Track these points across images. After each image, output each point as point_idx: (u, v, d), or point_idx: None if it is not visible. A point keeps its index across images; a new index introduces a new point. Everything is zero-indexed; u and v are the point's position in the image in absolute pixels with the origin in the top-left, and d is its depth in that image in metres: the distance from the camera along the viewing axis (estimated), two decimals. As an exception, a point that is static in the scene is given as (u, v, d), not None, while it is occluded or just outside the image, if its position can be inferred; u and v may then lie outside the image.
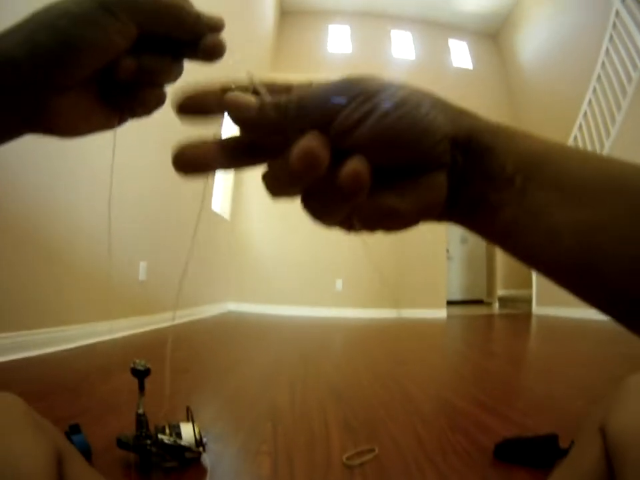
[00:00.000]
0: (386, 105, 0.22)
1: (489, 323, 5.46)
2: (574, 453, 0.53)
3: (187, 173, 0.26)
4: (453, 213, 0.26)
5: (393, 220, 0.25)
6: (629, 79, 4.58)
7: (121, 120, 0.33)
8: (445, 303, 5.93)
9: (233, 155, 0.27)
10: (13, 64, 0.26)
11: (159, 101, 0.33)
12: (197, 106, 0.28)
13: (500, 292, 7.57)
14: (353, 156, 0.22)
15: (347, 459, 0.95)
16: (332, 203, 0.25)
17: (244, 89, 0.26)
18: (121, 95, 0.31)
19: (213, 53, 0.33)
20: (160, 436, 0.87)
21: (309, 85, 0.26)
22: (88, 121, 0.32)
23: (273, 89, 0.27)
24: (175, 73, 0.33)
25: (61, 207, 2.26)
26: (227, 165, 0.28)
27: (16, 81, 0.27)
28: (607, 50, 4.97)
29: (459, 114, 0.25)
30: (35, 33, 0.27)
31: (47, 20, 0.27)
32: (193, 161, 0.26)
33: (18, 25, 0.27)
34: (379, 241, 5.99)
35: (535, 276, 5.97)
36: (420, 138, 0.23)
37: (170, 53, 0.31)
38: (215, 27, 0.32)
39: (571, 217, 0.23)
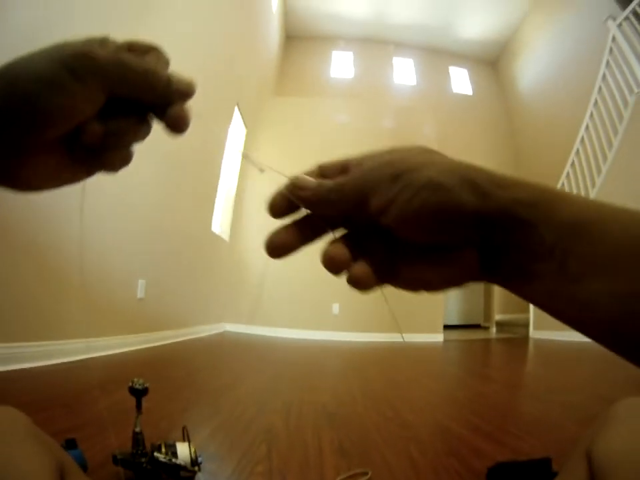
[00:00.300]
0: (413, 188, 0.24)
1: (486, 347, 5.44)
2: (560, 478, 0.54)
3: (278, 256, 0.31)
4: (491, 278, 0.27)
5: (426, 289, 0.27)
6: (625, 103, 4.64)
7: (88, 174, 0.33)
8: (442, 327, 5.91)
9: (309, 232, 0.31)
10: None
11: (125, 161, 0.33)
12: (283, 208, 0.31)
13: (497, 316, 7.55)
14: (358, 260, 0.26)
15: (340, 481, 0.96)
16: None
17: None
18: (88, 154, 0.31)
19: (176, 125, 0.32)
20: (156, 454, 0.88)
21: (358, 164, 0.29)
22: (54, 177, 0.32)
23: (334, 167, 0.30)
24: (142, 134, 0.32)
25: (62, 222, 2.28)
26: (305, 241, 0.31)
27: None
28: (604, 75, 5.05)
29: (494, 188, 0.24)
30: (1, 93, 0.26)
31: (13, 80, 0.27)
32: (281, 247, 0.30)
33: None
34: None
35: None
36: (446, 219, 0.24)
37: (138, 114, 0.31)
38: (185, 92, 0.32)
39: (610, 286, 0.22)
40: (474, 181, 0.24)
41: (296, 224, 0.30)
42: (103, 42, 0.29)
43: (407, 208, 0.24)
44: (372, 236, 0.28)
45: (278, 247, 0.30)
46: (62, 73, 0.27)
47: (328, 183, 0.28)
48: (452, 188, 0.24)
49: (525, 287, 0.25)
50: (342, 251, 0.27)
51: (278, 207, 0.30)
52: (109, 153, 0.31)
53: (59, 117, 0.27)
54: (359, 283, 0.26)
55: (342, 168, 0.29)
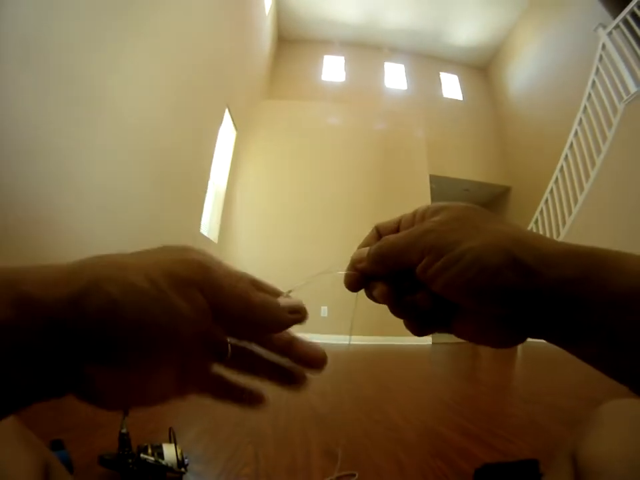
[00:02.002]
0: (458, 267, 0.25)
1: (474, 350, 5.46)
2: (546, 479, 0.55)
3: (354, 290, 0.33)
4: (536, 337, 0.27)
5: (479, 343, 0.29)
6: (615, 110, 4.71)
7: (184, 395, 0.30)
8: (431, 330, 5.93)
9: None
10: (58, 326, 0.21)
11: (254, 401, 0.32)
12: (356, 283, 0.34)
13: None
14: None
15: (327, 482, 0.96)
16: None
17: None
18: (221, 386, 0.31)
19: (313, 362, 0.32)
20: (142, 455, 0.87)
21: (409, 223, 0.31)
22: (140, 396, 0.27)
23: (390, 228, 0.33)
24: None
25: (56, 222, 2.26)
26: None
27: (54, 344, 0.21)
28: (594, 82, 5.12)
29: (541, 266, 0.24)
30: (88, 297, 0.21)
31: (105, 288, 0.21)
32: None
33: (66, 272, 0.22)
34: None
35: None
36: (490, 298, 0.25)
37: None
38: (300, 319, 0.31)
39: None
40: (520, 260, 0.24)
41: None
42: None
43: (452, 283, 0.25)
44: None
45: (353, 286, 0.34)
46: (167, 287, 0.23)
47: (374, 251, 0.31)
48: (497, 269, 0.24)
49: (571, 349, 0.26)
50: (385, 292, 0.31)
51: (352, 284, 0.34)
52: (244, 392, 0.31)
53: (158, 338, 0.23)
54: (416, 333, 0.31)
55: (396, 229, 0.32)
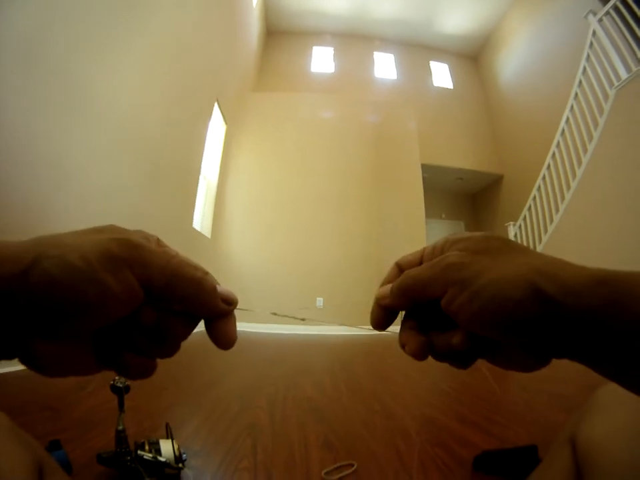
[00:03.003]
0: (480, 300, 0.25)
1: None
2: (544, 464, 0.55)
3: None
4: (560, 357, 0.28)
5: (509, 369, 0.30)
6: (606, 96, 4.73)
7: (98, 371, 0.30)
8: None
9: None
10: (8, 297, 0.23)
11: (145, 371, 0.30)
12: (382, 319, 0.33)
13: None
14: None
15: (326, 474, 0.96)
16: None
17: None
18: (113, 357, 0.29)
19: (222, 342, 0.31)
20: (139, 452, 0.87)
21: (431, 255, 0.32)
22: (69, 366, 0.28)
23: (413, 262, 0.33)
24: (175, 346, 0.31)
25: (47, 219, 2.24)
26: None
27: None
28: (584, 69, 5.12)
29: (563, 295, 0.25)
30: (31, 273, 0.23)
31: (44, 266, 0.24)
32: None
33: (15, 250, 0.24)
34: (361, 258, 6.03)
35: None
36: (513, 329, 0.25)
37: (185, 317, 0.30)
38: (230, 301, 0.32)
39: None
40: (542, 290, 0.24)
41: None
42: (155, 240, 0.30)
43: (476, 316, 0.25)
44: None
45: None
46: (99, 265, 0.25)
47: (397, 284, 0.31)
48: (519, 302, 0.24)
49: (594, 367, 0.26)
50: (416, 347, 0.31)
51: (378, 321, 0.33)
52: (133, 360, 0.29)
53: (94, 311, 0.25)
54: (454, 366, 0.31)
55: (418, 262, 0.33)
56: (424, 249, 0.33)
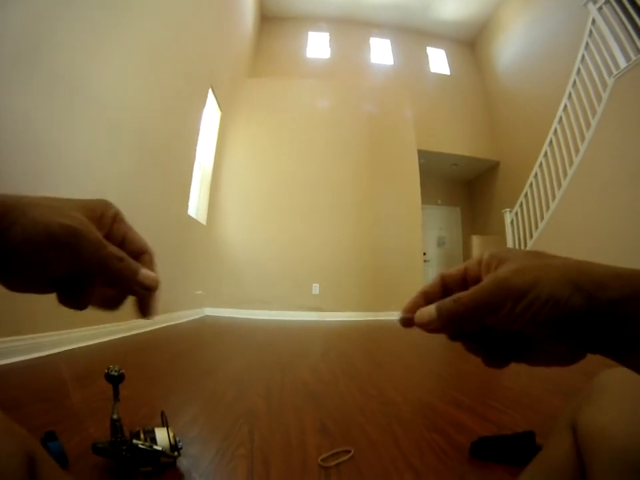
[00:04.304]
0: (535, 307, 0.28)
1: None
2: (545, 449, 0.54)
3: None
4: (592, 352, 0.30)
5: (550, 366, 0.33)
6: (604, 85, 4.69)
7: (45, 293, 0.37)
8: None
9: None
10: None
11: (76, 307, 0.37)
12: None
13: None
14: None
15: (323, 460, 0.95)
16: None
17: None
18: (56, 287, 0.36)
19: (142, 314, 0.41)
20: (134, 441, 0.86)
21: (476, 277, 0.33)
22: (29, 288, 0.35)
23: (456, 278, 0.35)
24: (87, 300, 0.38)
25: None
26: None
27: None
28: (583, 57, 5.07)
29: (596, 288, 0.27)
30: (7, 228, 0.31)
31: (17, 228, 0.31)
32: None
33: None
34: (357, 245, 6.03)
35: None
36: (563, 325, 0.28)
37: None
38: (149, 287, 0.38)
39: None
40: (580, 286, 0.27)
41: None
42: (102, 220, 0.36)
43: (532, 320, 0.28)
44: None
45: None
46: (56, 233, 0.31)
47: (445, 306, 0.32)
48: (567, 300, 0.27)
49: (621, 360, 0.28)
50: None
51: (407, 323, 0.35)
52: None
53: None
54: (493, 367, 0.34)
55: (462, 278, 0.34)
56: (467, 262, 0.35)
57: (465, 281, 0.34)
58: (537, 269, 0.29)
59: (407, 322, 0.34)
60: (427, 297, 0.35)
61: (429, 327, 0.32)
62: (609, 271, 0.28)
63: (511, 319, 0.29)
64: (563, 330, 0.28)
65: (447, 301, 0.31)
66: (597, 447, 0.43)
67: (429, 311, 0.32)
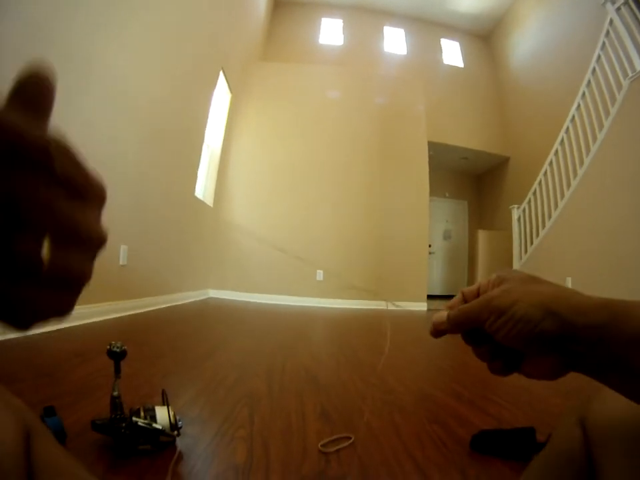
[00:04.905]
0: (512, 322, 0.34)
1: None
2: (553, 442, 0.53)
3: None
4: (575, 371, 0.34)
5: (537, 379, 0.36)
6: (619, 86, 4.62)
7: None
8: (426, 296, 5.99)
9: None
10: None
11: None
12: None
13: (481, 288, 7.66)
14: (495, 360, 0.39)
15: (323, 446, 0.95)
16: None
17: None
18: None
19: None
20: (134, 418, 0.85)
21: (484, 290, 0.40)
22: None
23: (472, 292, 0.41)
24: None
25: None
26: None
27: None
28: (599, 57, 5.00)
29: (573, 315, 0.32)
30: None
31: None
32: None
33: None
34: (362, 233, 6.01)
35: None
36: (535, 341, 0.33)
37: None
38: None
39: None
40: (556, 312, 0.32)
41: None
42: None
43: (508, 334, 0.34)
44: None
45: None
46: None
47: (452, 313, 0.39)
48: (539, 321, 0.32)
49: (600, 379, 0.33)
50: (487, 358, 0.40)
51: (436, 335, 0.42)
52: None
53: None
54: (496, 373, 0.39)
55: (477, 293, 0.40)
56: (481, 280, 0.41)
57: (479, 294, 0.40)
58: (521, 292, 0.35)
59: (436, 332, 0.42)
60: (451, 308, 0.41)
61: (440, 327, 0.41)
62: (591, 301, 0.33)
63: (494, 330, 0.35)
64: (533, 346, 0.33)
65: (455, 309, 0.39)
66: (608, 435, 0.44)
67: (442, 314, 0.41)
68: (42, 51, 2.12)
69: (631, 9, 4.53)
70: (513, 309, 0.34)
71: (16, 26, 1.94)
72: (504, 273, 0.39)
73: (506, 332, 0.34)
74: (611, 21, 4.81)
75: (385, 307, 5.76)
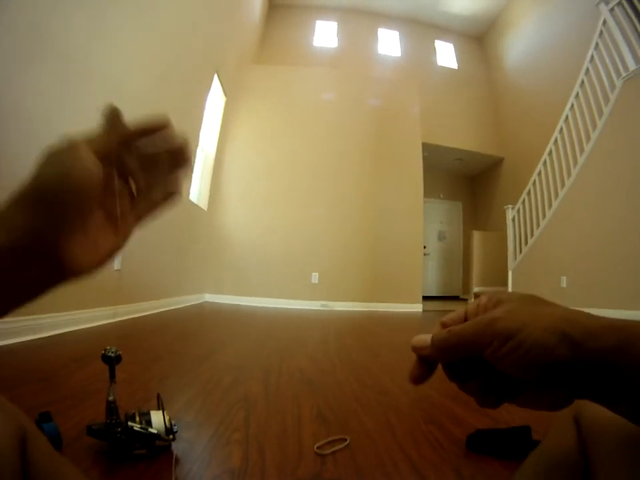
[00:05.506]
0: (522, 349, 0.29)
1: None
2: (547, 441, 0.54)
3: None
4: (581, 398, 0.31)
5: (535, 409, 0.33)
6: (612, 86, 4.66)
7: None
8: (421, 298, 6.00)
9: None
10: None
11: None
12: (421, 374, 0.36)
13: (476, 288, 7.65)
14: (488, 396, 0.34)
15: (319, 447, 0.95)
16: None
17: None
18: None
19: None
20: (130, 423, 0.85)
21: (475, 314, 0.34)
22: (100, 244, 0.33)
23: (453, 319, 0.36)
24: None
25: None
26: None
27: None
28: (592, 57, 5.03)
29: (586, 338, 0.28)
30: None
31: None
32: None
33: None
34: (357, 235, 6.01)
35: (510, 273, 6.06)
36: (546, 371, 0.29)
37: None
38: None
39: None
40: (570, 336, 0.28)
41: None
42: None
43: (516, 363, 0.29)
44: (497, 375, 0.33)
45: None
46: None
47: (439, 335, 0.33)
48: (553, 348, 0.28)
49: (609, 406, 0.30)
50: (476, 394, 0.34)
51: (417, 378, 0.36)
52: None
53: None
54: (487, 407, 0.34)
55: (462, 319, 0.35)
56: (467, 306, 0.36)
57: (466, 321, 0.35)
58: (527, 314, 0.30)
59: (415, 364, 0.36)
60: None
61: (421, 352, 0.35)
62: (598, 322, 0.29)
63: (499, 358, 0.30)
64: (546, 376, 0.29)
65: (442, 331, 0.33)
66: (603, 433, 0.43)
67: (425, 337, 0.35)
68: (40, 53, 2.12)
69: (625, 10, 4.57)
70: (524, 333, 0.29)
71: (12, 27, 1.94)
72: (498, 294, 0.34)
73: (514, 360, 0.29)
74: (605, 22, 4.85)
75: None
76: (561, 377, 0.29)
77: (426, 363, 0.36)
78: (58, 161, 0.29)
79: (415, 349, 0.35)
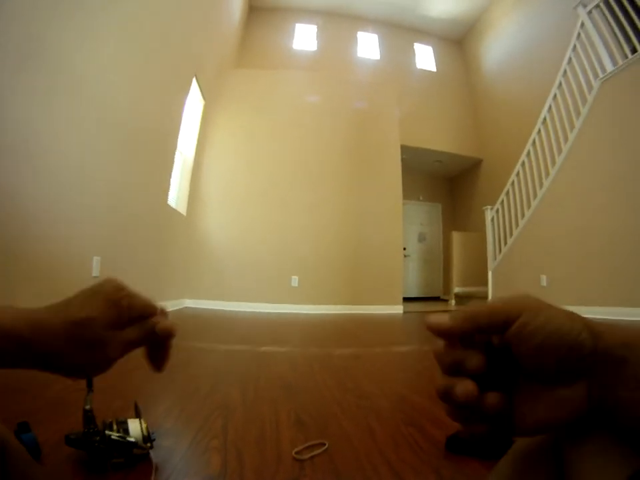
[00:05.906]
0: (553, 324, 0.29)
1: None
2: (522, 439, 0.54)
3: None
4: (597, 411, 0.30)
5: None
6: (590, 87, 4.76)
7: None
8: (402, 299, 6.03)
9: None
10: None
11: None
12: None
13: (456, 289, 7.73)
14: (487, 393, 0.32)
15: (297, 453, 0.95)
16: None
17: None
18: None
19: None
20: (107, 432, 0.85)
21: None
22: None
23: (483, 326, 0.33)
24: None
25: (14, 201, 2.17)
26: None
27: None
28: (570, 59, 5.13)
29: (602, 332, 0.29)
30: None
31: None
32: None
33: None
34: (337, 238, 6.03)
35: (490, 273, 6.14)
36: (569, 354, 0.28)
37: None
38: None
39: None
40: (591, 326, 0.29)
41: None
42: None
43: (543, 342, 0.29)
44: (497, 375, 0.33)
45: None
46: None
47: (470, 310, 0.32)
48: (579, 332, 0.29)
49: (624, 423, 0.29)
50: (472, 389, 0.32)
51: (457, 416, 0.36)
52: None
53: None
54: (488, 410, 0.32)
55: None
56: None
57: None
58: (547, 305, 0.30)
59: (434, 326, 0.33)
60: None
61: (441, 327, 0.32)
62: (604, 322, 0.30)
63: (524, 336, 0.29)
64: (566, 362, 0.29)
65: (462, 311, 0.32)
66: (578, 429, 0.43)
67: (439, 316, 0.33)
68: (13, 60, 2.09)
69: (602, 12, 4.66)
70: (551, 312, 0.29)
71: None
72: (501, 297, 0.33)
73: (541, 340, 0.29)
74: (582, 24, 4.94)
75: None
76: (579, 366, 0.29)
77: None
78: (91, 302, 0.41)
79: (431, 327, 0.32)
